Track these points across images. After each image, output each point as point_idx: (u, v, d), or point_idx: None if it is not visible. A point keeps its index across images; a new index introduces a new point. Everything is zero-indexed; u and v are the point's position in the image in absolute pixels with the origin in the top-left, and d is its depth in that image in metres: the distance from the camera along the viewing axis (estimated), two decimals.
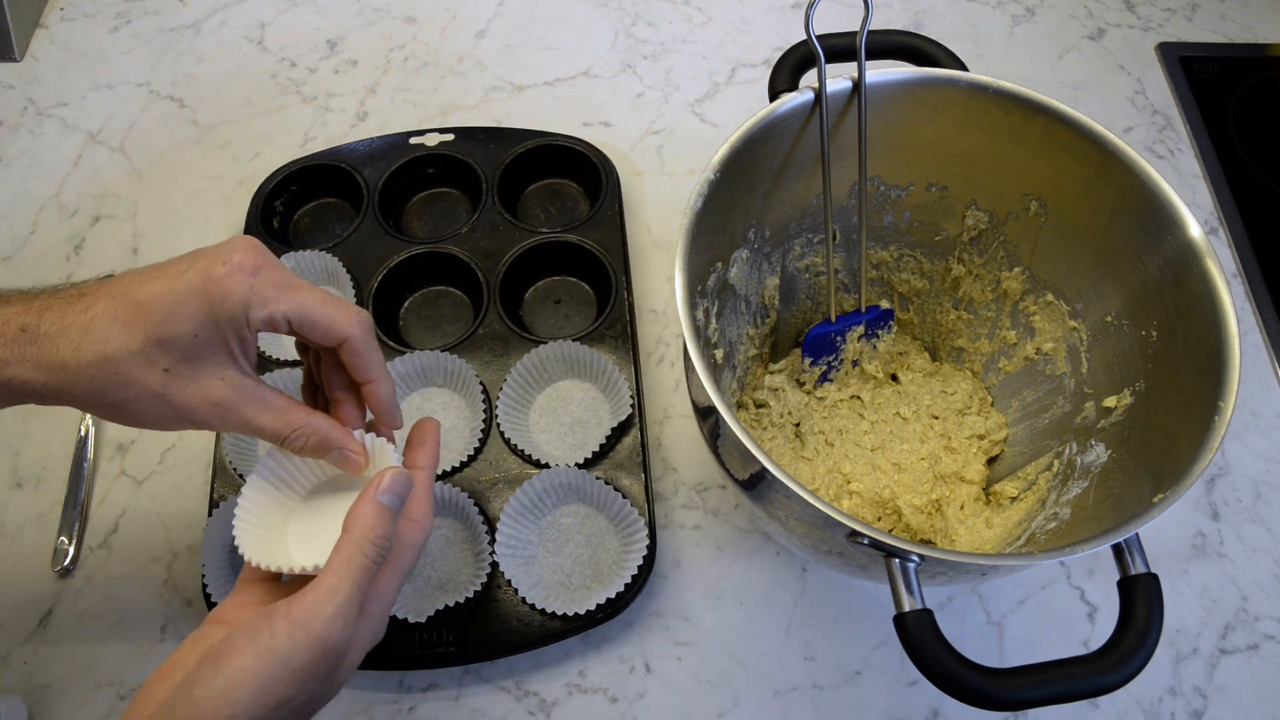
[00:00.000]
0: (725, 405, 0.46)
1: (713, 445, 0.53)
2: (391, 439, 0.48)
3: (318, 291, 0.44)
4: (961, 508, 0.63)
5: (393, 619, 0.57)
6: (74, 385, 0.40)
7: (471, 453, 0.65)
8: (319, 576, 0.40)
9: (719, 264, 0.57)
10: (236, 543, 0.44)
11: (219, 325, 0.41)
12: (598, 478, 0.62)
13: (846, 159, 0.59)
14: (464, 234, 0.73)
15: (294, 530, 0.47)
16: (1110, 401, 0.56)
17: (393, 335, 0.70)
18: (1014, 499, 0.62)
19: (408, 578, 0.45)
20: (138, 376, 0.41)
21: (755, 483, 0.50)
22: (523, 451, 0.64)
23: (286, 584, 0.45)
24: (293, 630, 0.38)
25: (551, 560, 0.62)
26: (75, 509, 0.65)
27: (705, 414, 0.53)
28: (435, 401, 0.68)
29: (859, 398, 0.67)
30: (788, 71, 0.57)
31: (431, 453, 0.48)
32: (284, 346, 0.69)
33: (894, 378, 0.69)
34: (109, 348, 0.40)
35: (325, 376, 0.48)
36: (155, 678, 0.40)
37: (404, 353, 0.67)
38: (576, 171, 0.78)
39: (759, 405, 0.67)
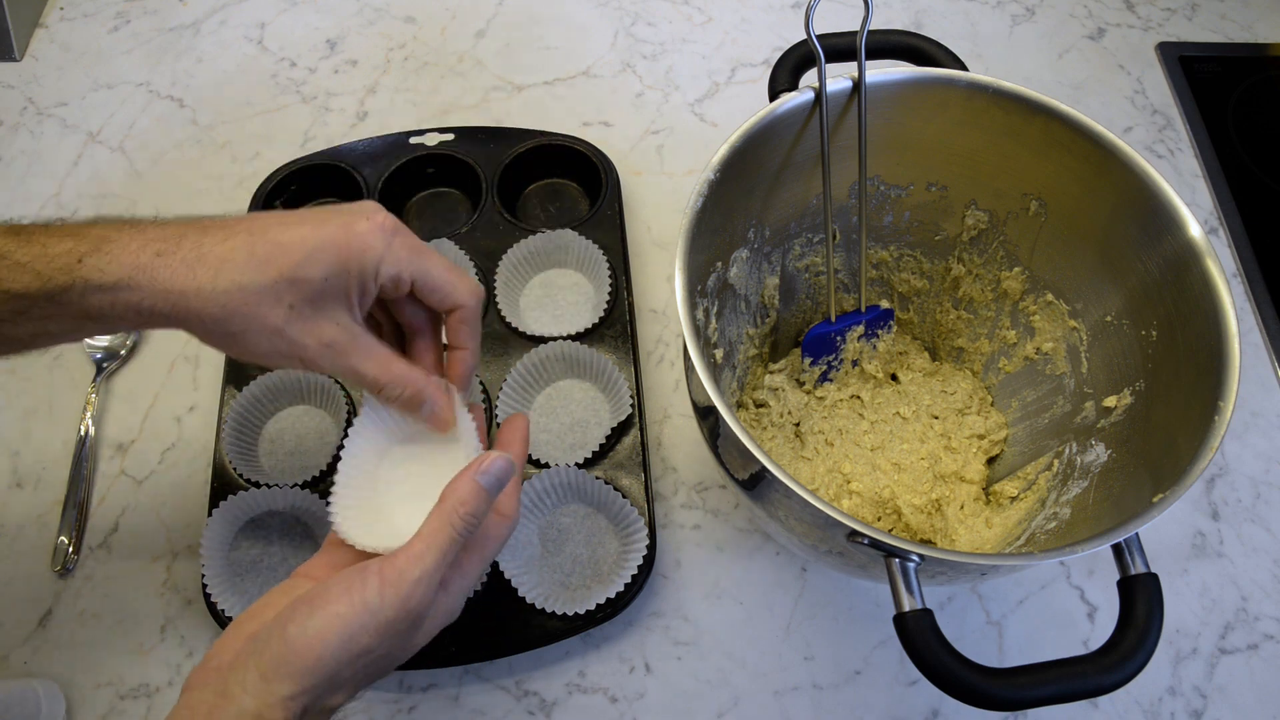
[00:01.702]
0: (725, 405, 0.46)
1: (713, 445, 0.53)
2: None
3: (443, 259, 0.47)
4: (961, 508, 0.63)
5: None
6: (201, 311, 0.42)
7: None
8: (409, 541, 0.42)
9: (719, 264, 0.57)
10: (332, 520, 0.46)
11: (349, 275, 0.44)
12: (597, 477, 0.62)
13: (846, 159, 0.59)
14: (464, 233, 0.73)
15: (385, 503, 0.48)
16: (1110, 401, 0.56)
17: None
18: (1014, 499, 0.61)
19: (488, 565, 0.48)
20: (264, 310, 0.43)
21: (755, 482, 0.50)
22: None
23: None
24: (383, 587, 0.41)
25: (551, 560, 0.62)
26: (75, 509, 0.64)
27: (705, 414, 0.53)
28: None
29: (859, 397, 0.67)
30: (788, 71, 0.57)
31: (522, 449, 0.50)
32: None
33: (894, 377, 0.69)
34: (244, 279, 0.42)
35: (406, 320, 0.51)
36: (247, 615, 0.43)
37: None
38: (576, 171, 0.78)
39: (759, 405, 0.67)
